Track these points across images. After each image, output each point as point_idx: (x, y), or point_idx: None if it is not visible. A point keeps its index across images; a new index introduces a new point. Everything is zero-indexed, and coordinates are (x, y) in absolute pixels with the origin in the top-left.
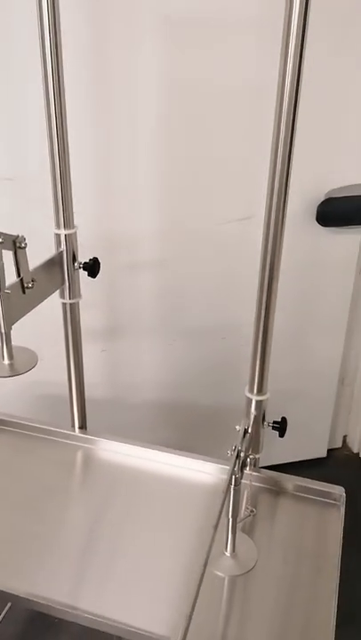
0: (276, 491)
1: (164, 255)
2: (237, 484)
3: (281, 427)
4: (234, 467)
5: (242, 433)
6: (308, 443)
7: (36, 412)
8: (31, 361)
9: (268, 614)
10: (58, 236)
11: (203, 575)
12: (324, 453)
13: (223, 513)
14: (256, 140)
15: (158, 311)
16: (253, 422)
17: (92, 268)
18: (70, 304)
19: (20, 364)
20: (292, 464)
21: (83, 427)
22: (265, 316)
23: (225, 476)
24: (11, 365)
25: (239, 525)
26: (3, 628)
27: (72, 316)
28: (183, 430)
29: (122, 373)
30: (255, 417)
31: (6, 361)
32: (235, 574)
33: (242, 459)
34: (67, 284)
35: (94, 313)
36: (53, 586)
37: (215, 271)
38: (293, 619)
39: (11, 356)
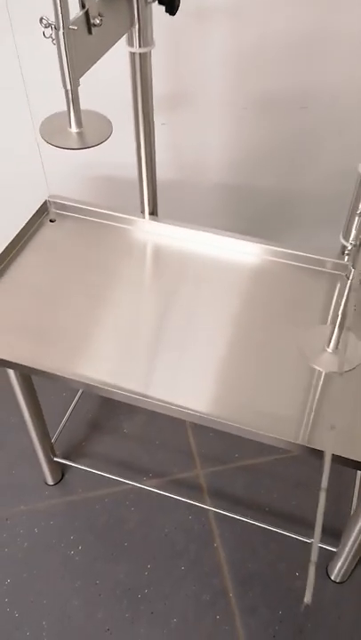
0: None
1: None
2: (355, 276)
3: None
4: (355, 257)
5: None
6: None
7: (91, 199)
8: (105, 130)
9: None
10: None
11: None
12: None
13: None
14: None
15: (227, 73)
16: None
17: (171, 0)
18: (141, 54)
19: (92, 133)
20: None
21: (153, 213)
22: None
23: (293, 262)
24: (80, 135)
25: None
26: (78, 408)
27: (142, 72)
28: (249, 218)
29: (184, 151)
30: None
31: (74, 129)
32: (336, 371)
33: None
34: (137, 25)
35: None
36: (126, 373)
37: (302, 18)
38: None
39: (79, 123)
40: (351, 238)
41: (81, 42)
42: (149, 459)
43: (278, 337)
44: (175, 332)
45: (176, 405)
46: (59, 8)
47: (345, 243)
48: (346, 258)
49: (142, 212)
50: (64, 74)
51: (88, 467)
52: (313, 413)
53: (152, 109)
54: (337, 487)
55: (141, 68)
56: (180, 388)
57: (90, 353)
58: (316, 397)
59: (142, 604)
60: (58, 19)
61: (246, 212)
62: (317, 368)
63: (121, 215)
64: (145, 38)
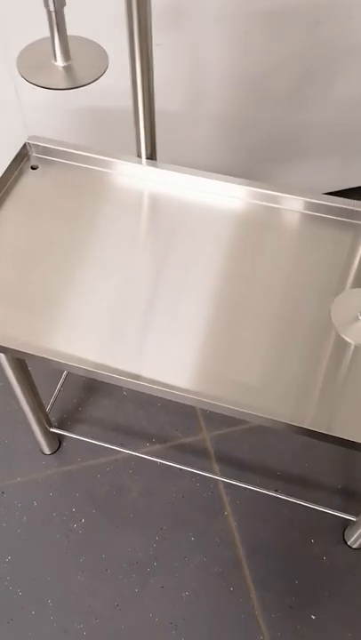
0: None
1: None
2: None
3: None
4: None
5: None
6: None
7: (72, 136)
8: (99, 63)
9: None
10: None
11: None
12: None
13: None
14: None
15: None
16: None
17: None
18: None
19: (82, 67)
20: None
21: (151, 157)
22: None
23: (310, 212)
24: (68, 70)
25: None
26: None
27: None
28: (250, 153)
29: (180, 77)
30: None
31: (60, 62)
32: None
33: None
34: None
35: None
36: (116, 349)
37: None
38: None
39: (67, 55)
40: None
41: None
42: (151, 423)
43: (294, 301)
44: (172, 297)
45: (175, 388)
46: None
47: None
48: None
49: (139, 155)
50: None
51: (86, 434)
52: (335, 394)
53: (150, 28)
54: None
55: None
56: (175, 365)
57: (77, 327)
58: (342, 375)
59: (151, 577)
60: None
61: (247, 147)
62: (347, 340)
63: (114, 160)
64: None
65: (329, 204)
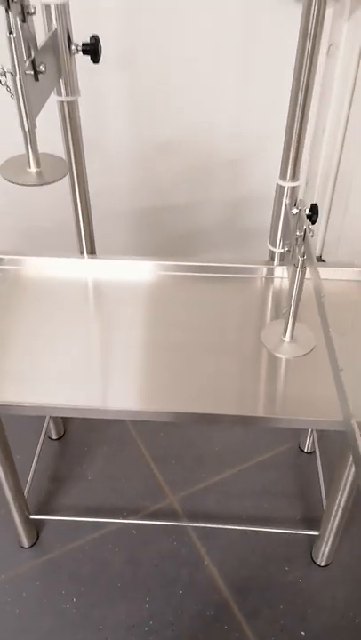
0: None
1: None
2: (304, 265)
3: (312, 213)
4: (301, 248)
5: (300, 215)
6: None
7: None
8: (61, 169)
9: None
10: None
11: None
12: None
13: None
14: None
15: (129, 119)
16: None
17: (95, 49)
18: (68, 103)
19: (49, 172)
20: None
21: (92, 252)
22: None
23: (221, 274)
24: (39, 174)
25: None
26: (38, 467)
27: (72, 119)
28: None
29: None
30: (288, 205)
31: (33, 169)
32: (296, 355)
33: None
34: (65, 72)
35: None
36: (85, 394)
37: (191, 68)
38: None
39: (38, 163)
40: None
41: (31, 87)
42: (120, 499)
43: (228, 337)
44: (128, 351)
45: (158, 410)
46: (15, 56)
47: (273, 249)
48: (277, 263)
49: (81, 252)
50: (22, 116)
51: (62, 521)
52: (279, 391)
53: (83, 156)
54: (306, 475)
55: (71, 116)
56: (154, 393)
57: (51, 382)
58: (281, 377)
59: (151, 635)
60: (15, 65)
61: (157, 246)
62: (279, 355)
63: (61, 259)
64: (72, 87)
65: (231, 265)
